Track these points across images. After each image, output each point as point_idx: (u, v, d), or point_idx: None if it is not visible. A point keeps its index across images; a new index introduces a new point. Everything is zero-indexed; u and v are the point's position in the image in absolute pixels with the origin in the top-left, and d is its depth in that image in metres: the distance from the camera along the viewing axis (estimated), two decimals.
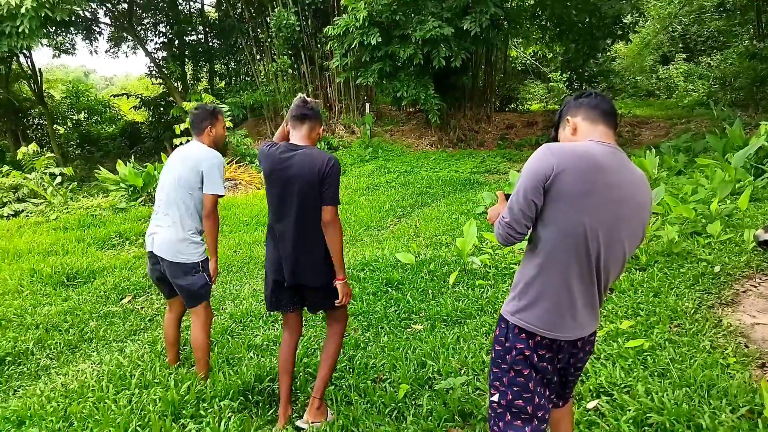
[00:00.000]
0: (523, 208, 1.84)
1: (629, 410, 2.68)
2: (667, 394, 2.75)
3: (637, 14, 16.36)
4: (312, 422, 2.84)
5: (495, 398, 1.97)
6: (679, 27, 22.60)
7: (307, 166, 2.64)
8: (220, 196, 3.21)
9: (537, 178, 1.79)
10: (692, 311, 3.67)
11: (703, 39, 21.53)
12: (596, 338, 2.15)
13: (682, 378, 2.91)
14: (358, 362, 3.54)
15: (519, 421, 1.93)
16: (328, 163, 2.65)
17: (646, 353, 3.22)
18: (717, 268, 4.18)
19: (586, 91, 2.07)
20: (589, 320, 1.94)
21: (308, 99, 2.81)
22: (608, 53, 17.98)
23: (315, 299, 2.88)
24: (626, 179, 1.84)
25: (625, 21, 15.58)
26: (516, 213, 1.86)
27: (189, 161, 3.19)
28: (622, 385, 2.94)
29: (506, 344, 1.94)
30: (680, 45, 22.73)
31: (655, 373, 3.02)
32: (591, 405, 2.83)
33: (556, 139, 2.08)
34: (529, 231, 1.92)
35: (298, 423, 2.88)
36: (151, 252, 3.26)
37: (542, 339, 1.90)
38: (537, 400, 1.92)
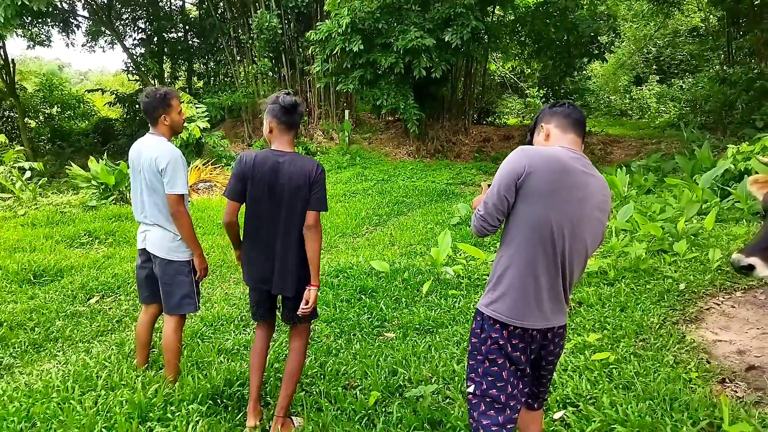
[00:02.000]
0: (496, 203, 2.02)
1: (594, 421, 2.74)
2: (631, 407, 2.82)
3: (613, 35, 16.78)
4: None
5: (471, 389, 2.08)
6: (653, 49, 23.26)
7: (297, 172, 2.63)
8: (182, 195, 3.05)
9: (510, 177, 1.97)
10: (657, 326, 3.76)
11: (677, 62, 22.19)
12: (564, 347, 2.23)
13: (646, 391, 2.98)
14: (329, 369, 3.54)
15: (492, 411, 2.03)
16: (317, 170, 2.66)
17: (611, 366, 3.29)
18: (682, 286, 4.30)
19: (560, 101, 2.26)
20: (555, 312, 2.05)
21: (297, 101, 2.71)
22: (584, 72, 18.42)
23: (289, 309, 2.84)
24: (589, 182, 2.02)
25: (601, 41, 15.97)
26: (490, 207, 2.04)
27: (145, 163, 3.05)
28: (588, 397, 3.00)
29: (481, 335, 2.07)
30: (654, 67, 23.39)
31: (620, 386, 3.09)
32: (557, 415, 2.89)
33: (531, 143, 2.25)
34: (501, 224, 2.09)
35: None
36: (143, 249, 3.21)
37: (515, 329, 2.02)
38: (510, 389, 2.03)
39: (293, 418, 2.97)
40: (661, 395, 2.92)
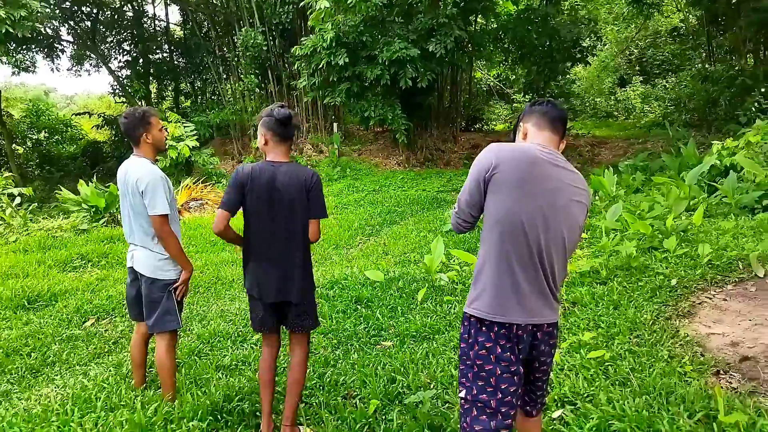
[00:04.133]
0: (467, 198, 2.09)
1: (592, 418, 2.77)
2: (628, 402, 2.85)
3: (595, 38, 17.02)
4: None
5: (462, 394, 2.06)
6: (635, 51, 23.57)
7: (294, 181, 2.68)
8: (165, 215, 3.05)
9: (479, 172, 2.02)
10: (650, 322, 3.81)
11: (659, 62, 22.47)
12: (557, 346, 2.23)
13: (642, 386, 3.02)
14: (328, 379, 3.55)
15: (484, 416, 2.00)
16: (313, 178, 2.73)
17: (607, 363, 3.33)
18: (674, 282, 4.35)
19: (540, 99, 2.25)
20: (540, 307, 2.03)
21: (290, 114, 2.75)
22: (568, 76, 18.61)
23: (293, 316, 2.88)
24: (561, 174, 2.02)
25: (583, 45, 16.19)
26: (462, 203, 2.12)
27: (129, 185, 3.07)
28: (585, 395, 3.03)
29: (469, 340, 2.05)
30: (637, 68, 23.68)
31: (617, 382, 3.13)
32: (556, 414, 2.91)
33: (513, 140, 2.27)
34: (477, 220, 2.14)
35: None
36: (131, 268, 3.22)
37: (499, 329, 2.00)
38: (500, 395, 1.99)
39: (300, 427, 2.98)
40: (657, 389, 2.96)
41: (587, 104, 23.23)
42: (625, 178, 9.03)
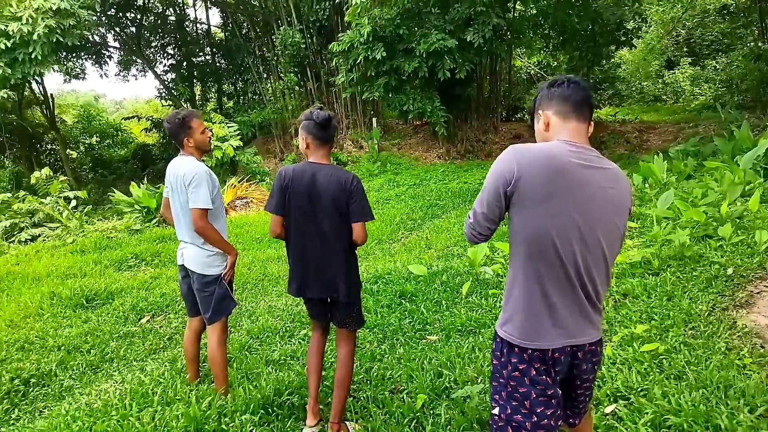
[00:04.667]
0: (485, 212, 1.83)
1: (647, 413, 2.70)
2: (684, 396, 2.77)
3: (639, 20, 16.44)
4: None
5: (495, 411, 1.91)
6: (682, 31, 22.64)
7: (333, 184, 2.71)
8: (206, 210, 3.10)
9: (498, 182, 1.76)
10: (706, 314, 3.67)
11: (708, 42, 21.53)
12: (600, 363, 2.02)
13: (699, 380, 2.92)
14: (374, 374, 3.58)
15: None
16: (353, 181, 2.74)
17: (661, 356, 3.23)
18: (730, 271, 4.18)
19: (559, 78, 1.90)
20: (581, 327, 1.83)
21: (330, 117, 2.79)
22: (613, 60, 18.04)
23: (339, 313, 2.93)
24: (595, 177, 1.77)
25: (628, 27, 15.66)
26: (479, 216, 1.86)
27: (178, 182, 3.18)
28: (639, 389, 2.96)
29: (501, 359, 1.89)
30: (685, 49, 22.75)
31: (672, 376, 3.03)
32: (608, 410, 2.85)
33: (533, 129, 2.01)
34: (494, 231, 1.90)
35: None
36: (182, 265, 3.34)
37: (533, 351, 1.82)
38: (536, 418, 1.82)
39: (348, 423, 3.03)
40: (715, 383, 2.85)
41: (633, 88, 22.49)
42: (676, 164, 8.70)
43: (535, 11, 16.16)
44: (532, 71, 22.18)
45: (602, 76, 16.71)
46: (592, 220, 1.76)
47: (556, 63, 21.00)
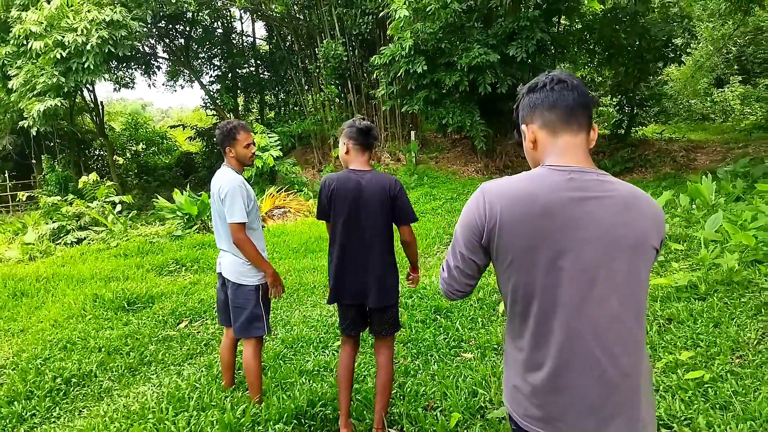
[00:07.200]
0: (459, 266, 1.50)
1: None
2: (730, 428, 2.65)
3: (688, 36, 16.02)
4: None
5: None
6: (733, 48, 21.96)
7: (378, 188, 2.78)
8: (242, 224, 3.14)
9: (470, 232, 1.45)
10: (755, 342, 3.51)
11: (760, 61, 20.81)
12: None
13: (746, 411, 2.78)
14: (408, 389, 3.54)
15: None
16: (396, 185, 2.82)
17: (706, 385, 3.10)
18: None
19: (540, 79, 1.49)
20: (606, 414, 1.38)
21: (371, 125, 2.91)
22: (660, 76, 17.61)
23: (377, 321, 2.96)
24: (597, 212, 1.34)
25: (676, 43, 15.28)
26: (453, 272, 1.53)
27: (215, 194, 3.26)
28: (683, 418, 2.84)
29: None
30: (735, 67, 22.04)
31: (717, 406, 2.90)
32: None
33: (521, 144, 1.61)
34: (474, 287, 1.58)
35: None
36: (220, 273, 3.41)
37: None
38: None
39: (390, 430, 3.01)
40: (764, 415, 2.71)
41: (681, 106, 21.90)
42: (725, 185, 8.40)
43: (580, 26, 15.94)
44: None
45: (648, 93, 16.28)
46: (595, 273, 1.34)
47: (600, 78, 20.64)
